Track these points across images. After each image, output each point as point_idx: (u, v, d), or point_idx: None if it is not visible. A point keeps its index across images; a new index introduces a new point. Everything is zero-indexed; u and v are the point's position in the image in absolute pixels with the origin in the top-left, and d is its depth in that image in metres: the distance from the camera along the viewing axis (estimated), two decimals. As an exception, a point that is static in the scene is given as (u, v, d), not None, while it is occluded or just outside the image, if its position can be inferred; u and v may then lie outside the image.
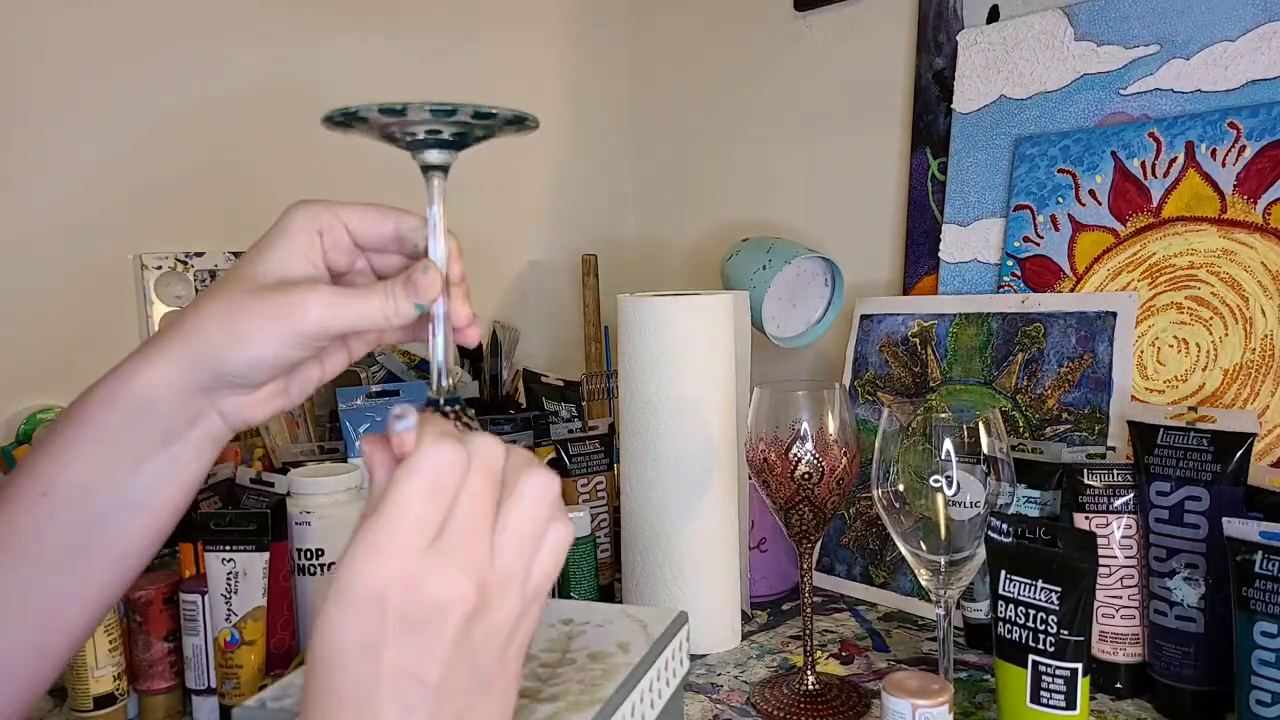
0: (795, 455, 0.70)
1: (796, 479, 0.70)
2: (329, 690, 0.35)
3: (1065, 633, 0.60)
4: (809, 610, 0.76)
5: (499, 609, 0.37)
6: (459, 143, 0.46)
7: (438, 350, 0.46)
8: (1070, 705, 0.60)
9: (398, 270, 0.49)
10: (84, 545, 0.44)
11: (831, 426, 0.71)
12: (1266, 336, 0.80)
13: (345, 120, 0.43)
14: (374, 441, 0.39)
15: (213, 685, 0.74)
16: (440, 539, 0.36)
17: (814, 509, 0.72)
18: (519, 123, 0.45)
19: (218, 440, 0.47)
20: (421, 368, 1.11)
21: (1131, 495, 0.72)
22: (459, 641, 0.35)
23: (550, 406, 1.15)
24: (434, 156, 0.46)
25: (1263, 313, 0.81)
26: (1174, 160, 0.87)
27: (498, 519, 0.38)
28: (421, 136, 0.45)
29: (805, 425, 0.70)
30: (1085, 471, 0.74)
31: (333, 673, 0.35)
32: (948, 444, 0.64)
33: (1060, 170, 0.95)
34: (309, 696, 0.35)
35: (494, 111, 0.44)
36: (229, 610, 0.72)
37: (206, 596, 0.73)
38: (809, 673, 0.75)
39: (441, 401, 0.47)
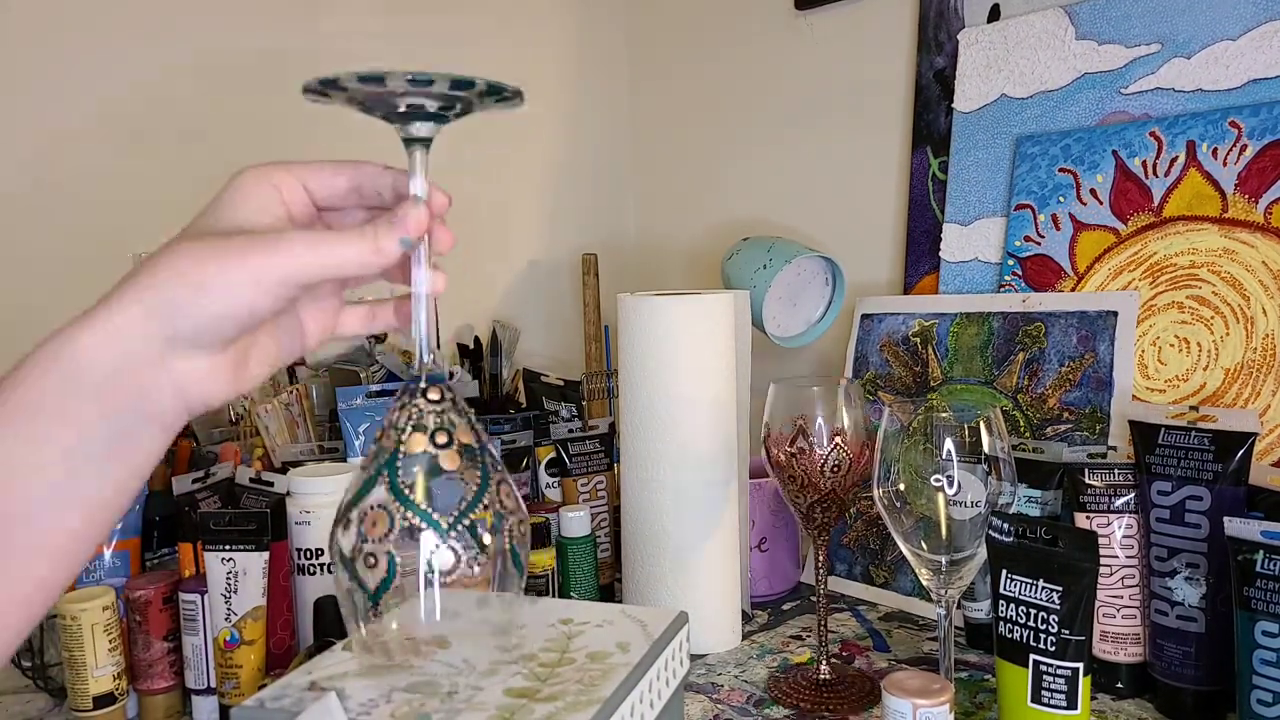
0: (817, 449, 0.72)
1: (826, 472, 0.72)
2: None
3: (1066, 632, 0.60)
4: (824, 600, 0.77)
5: None
6: (441, 116, 0.45)
7: (420, 327, 0.45)
8: (1071, 705, 0.60)
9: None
10: (6, 537, 0.38)
11: (847, 421, 0.72)
12: (1268, 336, 0.80)
13: (324, 89, 0.43)
14: None
15: (212, 685, 0.73)
16: None
17: (835, 502, 0.74)
18: (498, 93, 0.44)
19: (167, 424, 0.41)
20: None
21: (1132, 495, 0.72)
22: None
23: (550, 406, 1.15)
24: (416, 129, 0.45)
25: (1264, 312, 0.81)
26: (1175, 159, 0.87)
27: None
28: (403, 109, 0.44)
29: (821, 420, 0.72)
30: (1086, 471, 0.74)
31: None
32: (949, 443, 0.64)
33: (1061, 169, 0.94)
34: None
35: (471, 80, 0.43)
36: (229, 610, 0.72)
37: (206, 596, 0.73)
38: (823, 662, 0.76)
39: (424, 378, 0.46)
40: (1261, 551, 0.59)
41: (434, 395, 0.45)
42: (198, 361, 0.41)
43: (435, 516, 0.43)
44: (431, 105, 0.44)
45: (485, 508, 0.45)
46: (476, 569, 0.44)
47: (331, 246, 0.41)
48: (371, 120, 0.46)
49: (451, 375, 1.13)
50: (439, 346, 1.18)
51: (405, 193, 0.46)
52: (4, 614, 0.39)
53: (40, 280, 0.94)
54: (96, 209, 0.97)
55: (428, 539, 0.43)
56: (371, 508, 0.44)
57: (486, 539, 0.45)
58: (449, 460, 0.45)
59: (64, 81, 0.94)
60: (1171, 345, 0.85)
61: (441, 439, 0.45)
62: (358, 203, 0.48)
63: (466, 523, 0.44)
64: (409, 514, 0.43)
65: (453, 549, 0.44)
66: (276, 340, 0.46)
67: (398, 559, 0.43)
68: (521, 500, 0.48)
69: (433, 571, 0.43)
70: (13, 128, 0.92)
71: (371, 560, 0.43)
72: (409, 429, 0.45)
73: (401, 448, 0.44)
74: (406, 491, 0.43)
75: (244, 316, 0.40)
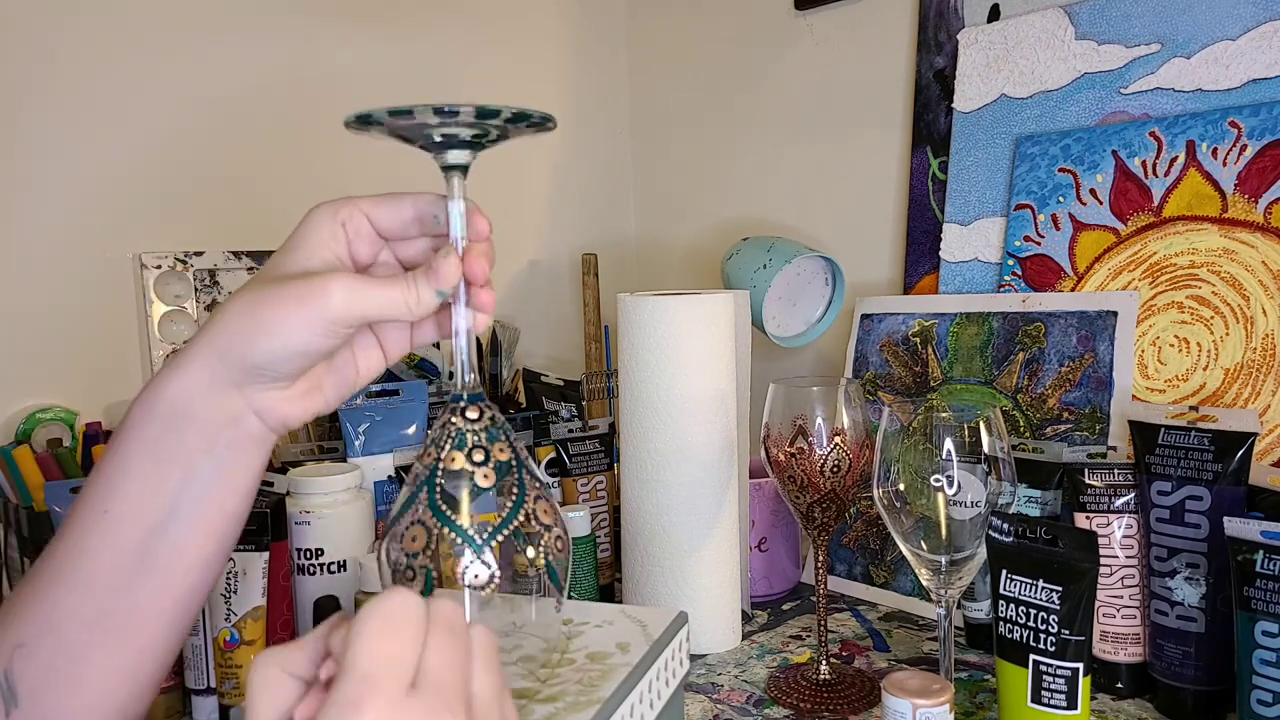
0: (817, 449, 0.71)
1: (825, 472, 0.72)
2: None
3: (1066, 632, 0.60)
4: (823, 600, 0.77)
5: None
6: (476, 143, 0.46)
7: (461, 351, 0.47)
8: (1071, 705, 0.60)
9: (423, 258, 0.50)
10: (147, 561, 0.44)
11: (846, 421, 0.72)
12: (1267, 336, 0.80)
13: (361, 124, 0.44)
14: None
15: (212, 685, 0.73)
16: (420, 683, 0.32)
17: (835, 502, 0.74)
18: (539, 123, 0.45)
19: (260, 442, 0.46)
20: (422, 367, 1.11)
21: (1132, 495, 0.72)
22: None
23: (550, 406, 1.15)
24: (453, 157, 0.46)
25: (1264, 312, 0.81)
26: (1175, 159, 0.87)
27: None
28: (439, 138, 0.45)
29: (821, 420, 0.72)
30: (1086, 471, 0.74)
31: None
32: (948, 443, 0.64)
33: (1061, 169, 0.94)
34: None
35: (498, 110, 0.44)
36: (228, 610, 0.72)
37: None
38: (823, 662, 0.76)
39: (465, 398, 0.47)
40: (1261, 551, 0.59)
41: (472, 414, 0.47)
42: (270, 391, 0.46)
43: (470, 532, 0.44)
44: (464, 135, 0.45)
45: (521, 524, 0.46)
46: (510, 584, 0.46)
47: (374, 293, 0.44)
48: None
49: (450, 375, 1.13)
50: (438, 346, 1.18)
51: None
52: (151, 625, 0.45)
53: (41, 280, 0.94)
54: (98, 210, 0.97)
55: (463, 554, 0.44)
56: (411, 524, 0.45)
57: (521, 554, 0.46)
58: (484, 478, 0.46)
59: (65, 83, 0.94)
60: (1171, 345, 0.85)
61: (478, 456, 0.46)
62: (420, 232, 0.50)
63: (501, 538, 0.45)
64: (445, 529, 0.44)
65: (486, 564, 0.45)
66: (352, 363, 0.50)
67: (434, 574, 0.44)
68: (562, 515, 0.48)
69: (469, 586, 0.45)
70: (13, 129, 0.92)
71: (410, 575, 0.44)
72: (447, 447, 0.46)
73: (440, 465, 0.45)
74: (444, 508, 0.45)
75: (303, 353, 0.45)
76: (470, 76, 1.29)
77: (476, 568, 0.44)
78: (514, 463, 0.47)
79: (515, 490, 0.46)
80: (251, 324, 0.43)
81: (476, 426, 0.47)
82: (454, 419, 0.47)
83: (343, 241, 0.47)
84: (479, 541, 0.45)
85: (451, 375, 1.13)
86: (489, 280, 0.48)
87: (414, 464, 0.47)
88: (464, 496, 0.45)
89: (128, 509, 0.44)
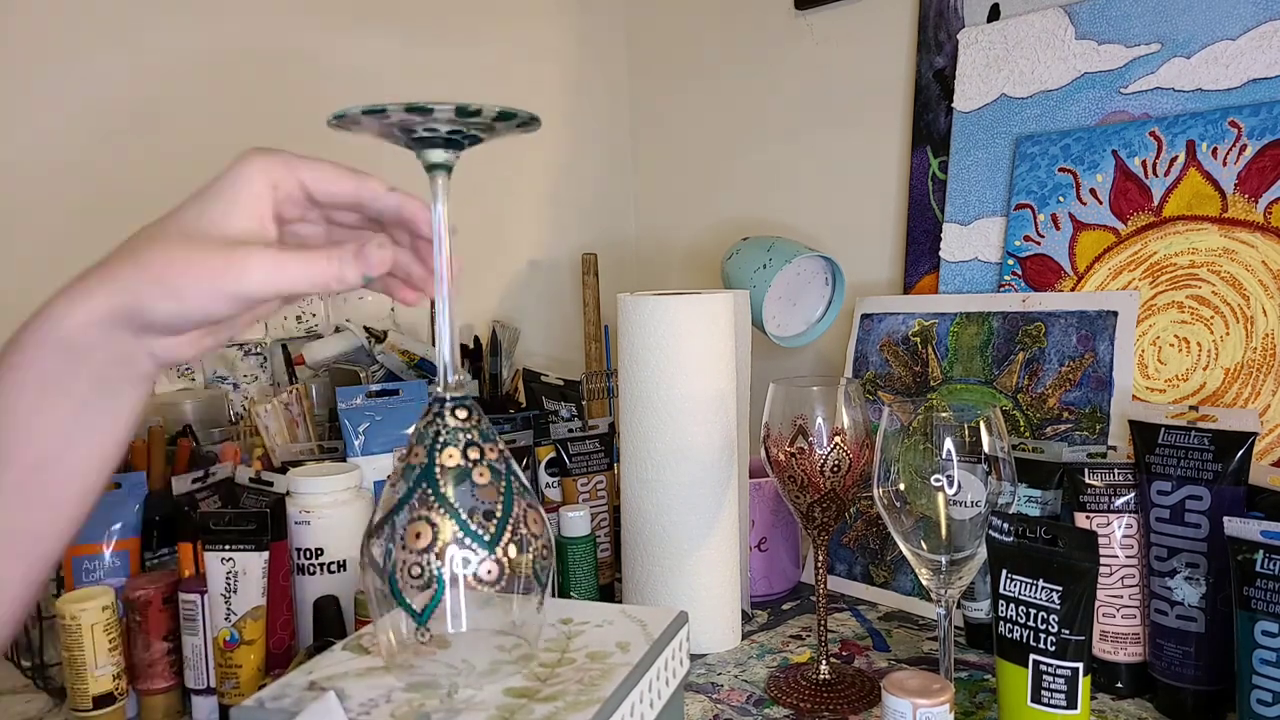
0: (817, 449, 0.71)
1: (825, 472, 0.72)
2: None
3: (1066, 632, 0.60)
4: (823, 600, 0.77)
5: None
6: (461, 142, 0.46)
7: (444, 349, 0.46)
8: (1071, 705, 0.60)
9: (352, 232, 0.50)
10: (43, 489, 0.45)
11: (846, 421, 0.72)
12: (1267, 335, 0.80)
13: (339, 121, 0.44)
14: None
15: (212, 685, 0.73)
16: None
17: (835, 501, 0.74)
18: (522, 122, 0.45)
19: (150, 377, 0.47)
20: (422, 367, 1.11)
21: (1132, 494, 0.72)
22: None
23: (550, 406, 1.15)
24: (436, 156, 0.46)
25: (1264, 312, 0.81)
26: (1175, 159, 0.87)
27: None
28: (423, 135, 0.45)
29: (821, 420, 0.72)
30: (1086, 471, 0.74)
31: None
32: (948, 443, 0.64)
33: (1061, 169, 0.94)
34: None
35: (511, 111, 0.44)
36: (228, 610, 0.72)
37: (206, 596, 0.73)
38: (823, 662, 0.76)
39: (448, 399, 0.47)
40: (1261, 551, 0.59)
41: (462, 414, 0.46)
42: (167, 339, 0.45)
43: (477, 530, 0.44)
44: (452, 132, 0.44)
45: (515, 523, 0.46)
46: (503, 582, 0.45)
47: (292, 273, 0.43)
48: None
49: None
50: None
51: (406, 216, 0.47)
52: (48, 541, 0.46)
53: (41, 280, 0.94)
54: (97, 210, 0.97)
55: (470, 551, 0.44)
56: (413, 519, 0.45)
57: (514, 553, 0.46)
58: (480, 476, 0.46)
59: (62, 78, 0.94)
60: (1171, 345, 0.85)
61: (474, 454, 0.46)
62: (358, 216, 0.49)
63: (505, 536, 0.45)
64: (455, 527, 0.44)
65: (493, 562, 0.45)
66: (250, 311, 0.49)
67: (443, 573, 0.44)
68: (545, 516, 0.49)
69: (478, 584, 0.44)
70: (10, 124, 0.92)
71: (418, 572, 0.44)
72: (443, 444, 0.46)
73: (437, 462, 0.45)
74: (455, 504, 0.44)
75: (202, 318, 0.44)
76: (470, 75, 1.29)
77: (481, 565, 0.44)
78: (503, 463, 0.47)
79: (505, 491, 0.46)
80: (161, 286, 0.43)
81: (468, 425, 0.46)
82: (447, 418, 0.46)
83: (269, 202, 0.46)
84: (486, 539, 0.45)
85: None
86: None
87: (398, 464, 0.47)
88: (464, 493, 0.45)
89: (19, 441, 0.44)
